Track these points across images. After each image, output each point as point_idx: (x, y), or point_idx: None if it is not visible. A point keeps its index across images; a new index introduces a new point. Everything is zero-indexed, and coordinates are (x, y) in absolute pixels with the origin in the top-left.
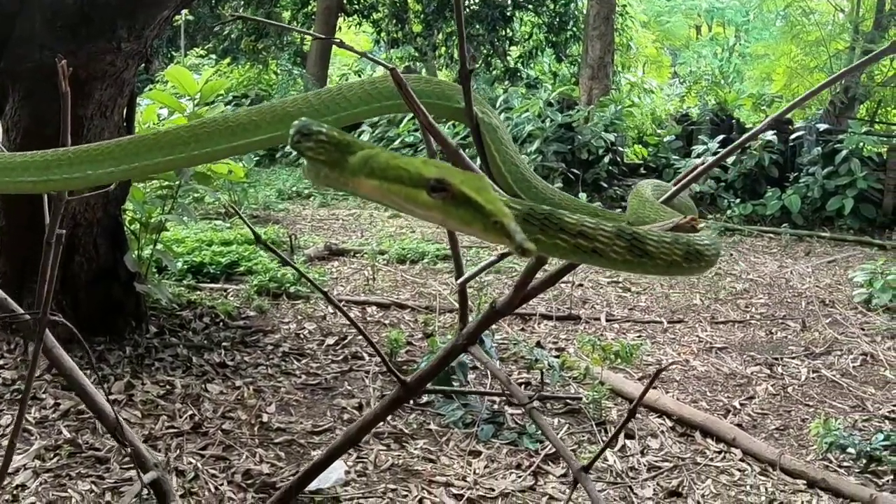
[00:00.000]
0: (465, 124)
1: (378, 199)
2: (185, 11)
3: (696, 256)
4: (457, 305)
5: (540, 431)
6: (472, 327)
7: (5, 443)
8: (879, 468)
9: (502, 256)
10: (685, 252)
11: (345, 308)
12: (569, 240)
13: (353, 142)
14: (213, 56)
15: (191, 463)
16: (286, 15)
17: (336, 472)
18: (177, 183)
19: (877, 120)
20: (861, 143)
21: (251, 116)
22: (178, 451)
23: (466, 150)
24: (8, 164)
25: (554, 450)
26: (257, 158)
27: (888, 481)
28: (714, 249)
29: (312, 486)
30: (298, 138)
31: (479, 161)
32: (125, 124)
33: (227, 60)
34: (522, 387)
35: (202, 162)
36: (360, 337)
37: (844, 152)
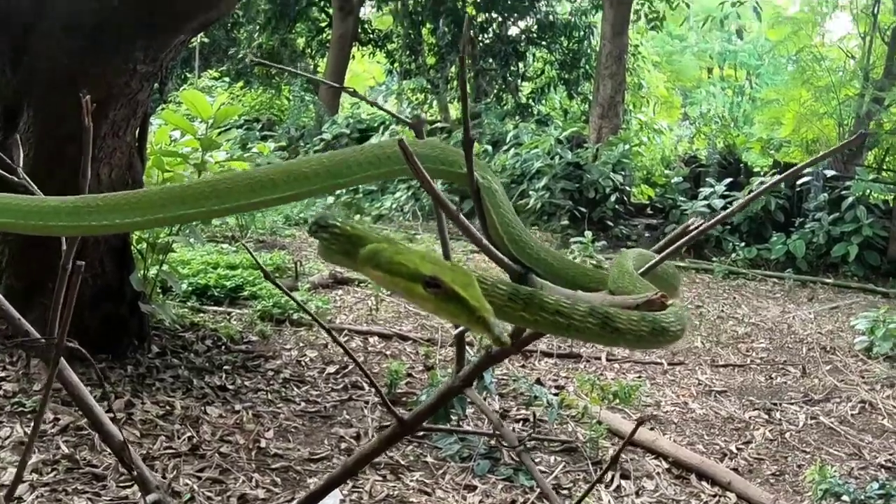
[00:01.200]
0: (466, 187)
1: (383, 286)
2: (200, 34)
3: (662, 332)
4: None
5: (520, 459)
6: (469, 370)
7: (3, 455)
8: None
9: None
10: (651, 328)
11: (347, 338)
12: (547, 317)
13: (363, 235)
14: (227, 79)
15: (187, 485)
16: (300, 41)
17: (332, 499)
18: None
19: (884, 167)
20: (868, 190)
21: (270, 175)
22: (175, 473)
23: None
24: (41, 208)
25: (551, 487)
26: None
27: None
28: (679, 325)
29: None
30: (316, 228)
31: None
32: (137, 144)
33: (240, 84)
34: (521, 423)
35: (222, 215)
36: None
37: (851, 199)
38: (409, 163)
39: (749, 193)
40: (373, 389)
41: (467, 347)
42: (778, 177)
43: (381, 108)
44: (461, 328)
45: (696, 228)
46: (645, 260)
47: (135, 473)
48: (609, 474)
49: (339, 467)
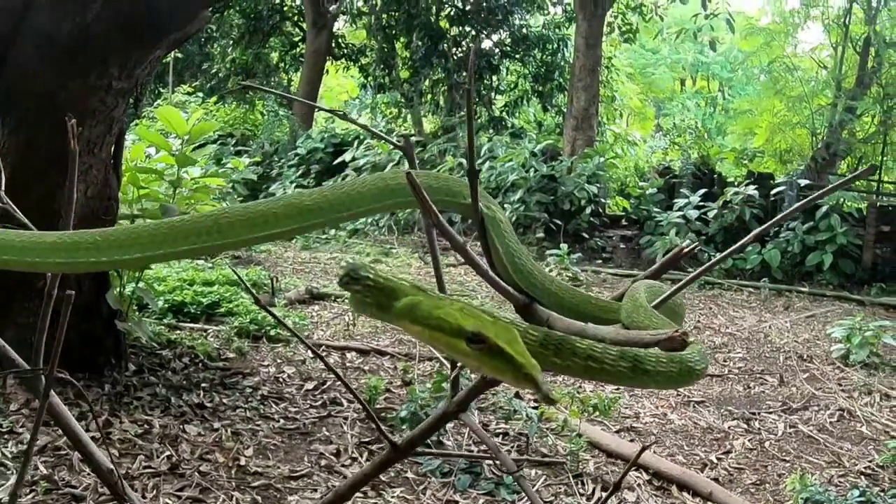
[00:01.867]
0: (471, 219)
1: (421, 340)
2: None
3: (689, 372)
4: (436, 353)
5: (517, 483)
6: (464, 395)
7: None
8: None
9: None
10: (679, 370)
11: (324, 353)
12: (580, 362)
13: (398, 287)
14: (201, 94)
15: None
16: (274, 56)
17: None
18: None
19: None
20: (841, 199)
21: (271, 209)
22: (154, 492)
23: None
24: (37, 245)
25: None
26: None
27: None
28: (703, 364)
29: None
30: (347, 280)
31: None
32: (113, 161)
33: (214, 99)
34: (500, 437)
35: (222, 251)
36: (340, 382)
37: (825, 208)
38: (418, 197)
39: (722, 203)
40: (352, 406)
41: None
42: (803, 201)
43: (361, 125)
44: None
45: (689, 249)
46: (655, 291)
47: None
48: (590, 486)
49: (330, 493)
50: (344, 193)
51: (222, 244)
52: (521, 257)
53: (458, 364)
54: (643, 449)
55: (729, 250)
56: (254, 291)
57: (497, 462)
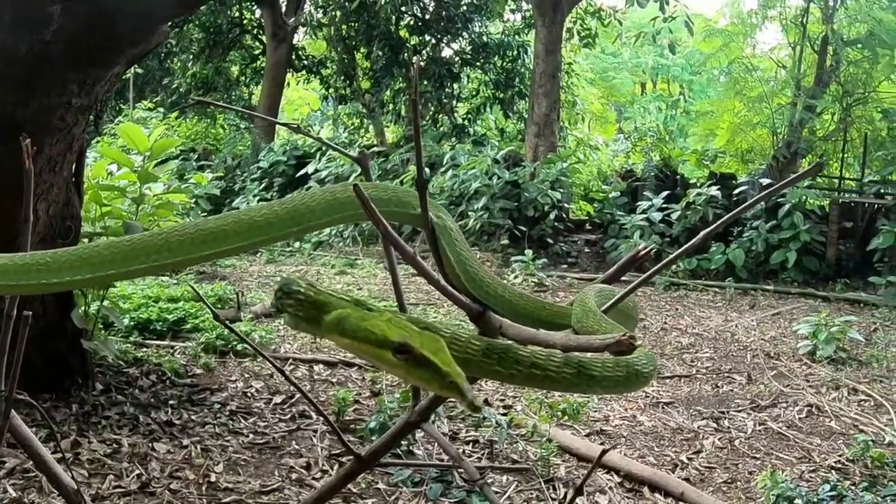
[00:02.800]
0: (422, 229)
1: (351, 353)
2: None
3: (636, 376)
4: None
5: (481, 491)
6: (425, 404)
7: None
8: None
9: None
10: (626, 374)
11: (292, 367)
12: (523, 370)
13: (328, 301)
14: (162, 109)
15: None
16: (235, 70)
17: None
18: None
19: (819, 174)
20: (804, 197)
21: (221, 226)
22: None
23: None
24: None
25: None
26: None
27: None
28: (650, 367)
29: None
30: (281, 295)
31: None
32: (74, 179)
33: (175, 114)
34: (471, 445)
35: (173, 268)
36: (309, 394)
37: (787, 206)
38: (366, 209)
39: (685, 205)
40: (321, 418)
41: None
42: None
43: (317, 138)
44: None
45: (646, 251)
46: (606, 295)
47: None
48: (561, 491)
49: None
50: (293, 209)
51: (173, 262)
52: (472, 265)
53: None
54: (604, 452)
55: (681, 249)
56: (213, 308)
57: (460, 471)
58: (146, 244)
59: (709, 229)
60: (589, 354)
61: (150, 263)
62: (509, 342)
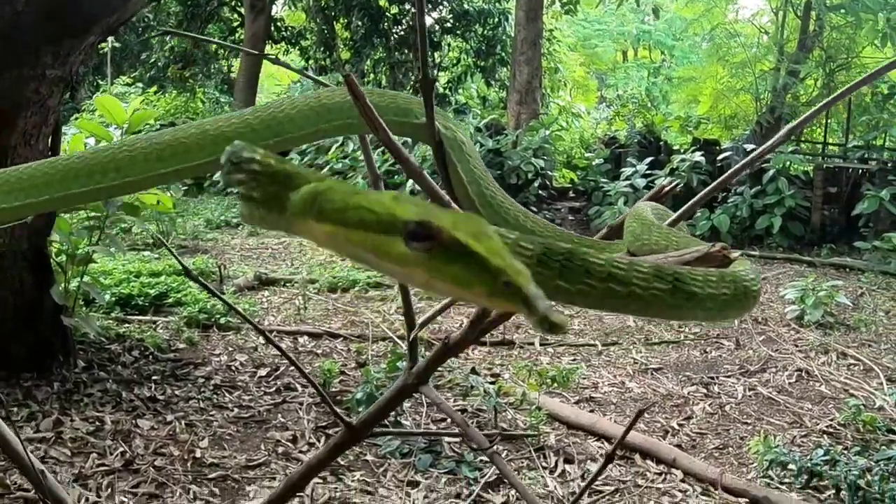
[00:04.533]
0: (426, 142)
1: (335, 250)
2: (111, 39)
3: (744, 294)
4: (389, 333)
5: (479, 459)
6: (423, 365)
7: None
8: (820, 483)
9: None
10: (735, 290)
11: (276, 338)
12: (597, 285)
13: (295, 172)
14: (140, 84)
15: (123, 502)
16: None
17: None
18: (104, 214)
19: (802, 139)
20: (788, 163)
21: (180, 139)
22: (109, 490)
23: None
24: None
25: (493, 477)
26: (185, 188)
27: (829, 496)
28: (758, 283)
29: None
30: (229, 168)
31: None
32: (50, 153)
33: (154, 89)
34: (461, 414)
35: (122, 192)
36: (294, 367)
37: (772, 171)
38: (361, 108)
39: (669, 171)
40: (307, 390)
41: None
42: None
43: (298, 70)
44: (422, 322)
45: (671, 186)
46: (661, 214)
47: None
48: (552, 459)
49: (283, 482)
50: (270, 116)
51: (122, 184)
52: (489, 186)
53: (417, 326)
54: (637, 416)
55: (702, 193)
56: (201, 279)
57: (466, 440)
58: (88, 163)
59: (713, 185)
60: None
61: (92, 186)
62: (572, 245)
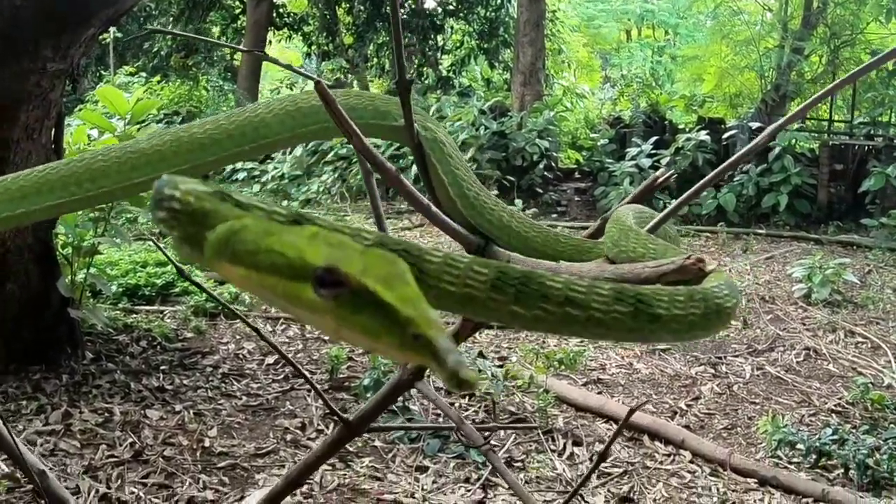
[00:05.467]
0: (405, 144)
1: (251, 292)
2: (113, 29)
3: (717, 314)
4: None
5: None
6: None
7: None
8: (829, 463)
9: None
10: (704, 310)
11: (283, 326)
12: (554, 310)
13: (213, 210)
14: (143, 74)
15: (133, 493)
16: (216, 30)
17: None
18: (109, 205)
19: (808, 116)
20: (794, 140)
21: (155, 146)
22: (119, 481)
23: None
24: None
25: (503, 460)
26: None
27: (838, 475)
28: (733, 299)
29: None
30: (153, 205)
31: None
32: (53, 146)
33: (157, 78)
34: (466, 398)
35: (97, 202)
36: (301, 354)
37: (777, 149)
38: (333, 114)
39: (675, 150)
40: (314, 377)
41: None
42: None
43: (298, 71)
44: None
45: (665, 177)
46: (643, 218)
47: None
48: (560, 442)
49: (281, 479)
50: (245, 121)
51: (96, 195)
52: (471, 187)
53: None
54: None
55: (714, 172)
56: (192, 278)
57: (468, 441)
58: (59, 175)
59: (723, 165)
60: (647, 286)
61: (66, 198)
62: (529, 268)
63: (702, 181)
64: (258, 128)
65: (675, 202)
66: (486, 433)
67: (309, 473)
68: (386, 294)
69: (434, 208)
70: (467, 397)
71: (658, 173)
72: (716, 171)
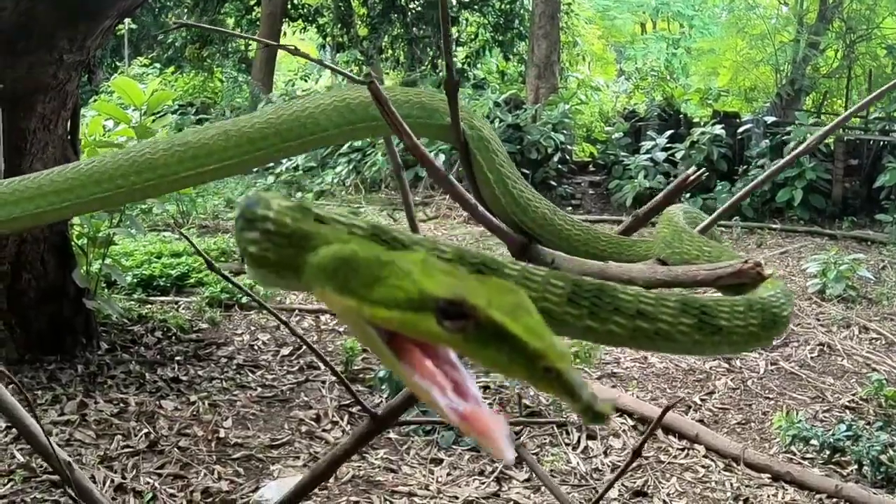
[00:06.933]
0: (450, 142)
1: (350, 324)
2: (127, 20)
3: (773, 322)
4: None
5: (518, 452)
6: None
7: None
8: (843, 459)
9: None
10: (762, 321)
11: (298, 317)
12: (625, 323)
13: (314, 232)
14: (158, 65)
15: (148, 483)
16: (230, 22)
17: (270, 491)
18: None
19: (823, 111)
20: (808, 135)
21: (202, 140)
22: (134, 471)
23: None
24: None
25: (516, 455)
26: None
27: (852, 471)
28: (789, 307)
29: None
30: (242, 224)
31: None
32: (69, 137)
33: (172, 69)
34: (482, 391)
35: (142, 196)
36: (315, 346)
37: (792, 144)
38: (386, 114)
39: (690, 144)
40: (330, 369)
41: None
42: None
43: (325, 65)
44: None
45: (695, 175)
46: (693, 218)
47: None
48: (575, 435)
49: (308, 473)
50: (293, 118)
51: (143, 188)
52: (517, 184)
53: None
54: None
55: (771, 170)
56: (216, 262)
57: None
58: (106, 168)
59: (782, 162)
60: (708, 297)
61: (112, 191)
62: (599, 280)
63: (760, 178)
64: (307, 124)
65: (731, 199)
66: (517, 427)
67: (338, 466)
68: (514, 327)
69: (480, 207)
70: (482, 389)
71: (689, 172)
72: (773, 169)
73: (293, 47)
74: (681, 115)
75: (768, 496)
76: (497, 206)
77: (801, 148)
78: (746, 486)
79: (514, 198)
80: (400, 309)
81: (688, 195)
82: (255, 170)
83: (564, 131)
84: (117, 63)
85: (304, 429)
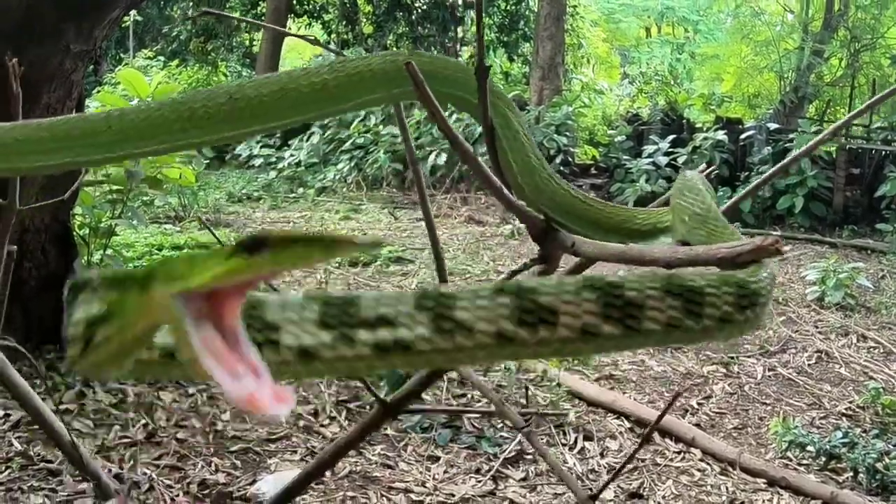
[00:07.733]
0: (479, 123)
1: (175, 328)
2: (133, 13)
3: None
4: None
5: (499, 436)
6: None
7: None
8: (839, 466)
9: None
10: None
11: None
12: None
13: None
14: (162, 58)
15: (145, 473)
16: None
17: (267, 484)
18: (127, 187)
19: (826, 119)
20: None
21: (261, 95)
22: (131, 462)
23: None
24: None
25: (513, 453)
26: (207, 161)
27: (847, 479)
28: (769, 290)
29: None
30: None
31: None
32: None
33: (176, 62)
34: (478, 391)
35: (194, 147)
36: None
37: (794, 152)
38: (421, 94)
39: (692, 149)
40: None
41: None
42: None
43: (339, 52)
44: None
45: (708, 172)
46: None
47: (93, 483)
48: (572, 436)
49: (314, 461)
50: (350, 76)
51: (186, 143)
52: (542, 172)
53: None
54: (669, 403)
55: (772, 170)
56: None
57: (501, 418)
58: (163, 116)
59: (799, 153)
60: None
61: (169, 142)
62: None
63: (759, 180)
64: (356, 85)
65: (741, 192)
66: (527, 418)
67: (343, 454)
68: (298, 235)
69: (505, 190)
70: (476, 391)
71: (699, 169)
72: (774, 169)
73: (313, 38)
74: (684, 120)
75: (763, 501)
76: (520, 192)
77: (801, 150)
78: (742, 490)
79: (536, 186)
80: (215, 266)
81: None
82: (257, 165)
83: (567, 133)
84: (122, 55)
85: (301, 423)
